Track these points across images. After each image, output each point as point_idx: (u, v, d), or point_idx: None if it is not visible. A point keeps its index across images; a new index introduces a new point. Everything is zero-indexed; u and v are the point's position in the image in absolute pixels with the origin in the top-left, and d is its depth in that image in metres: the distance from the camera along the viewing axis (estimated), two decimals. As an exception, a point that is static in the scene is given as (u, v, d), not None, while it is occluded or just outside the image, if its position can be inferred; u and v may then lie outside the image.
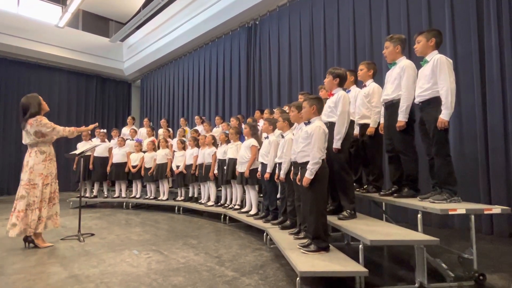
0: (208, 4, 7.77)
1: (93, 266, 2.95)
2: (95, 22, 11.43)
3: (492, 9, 4.04)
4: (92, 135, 7.34)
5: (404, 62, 3.07)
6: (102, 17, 11.66)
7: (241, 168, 4.59)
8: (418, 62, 3.01)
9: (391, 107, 3.11)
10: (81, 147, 6.37)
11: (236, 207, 4.94)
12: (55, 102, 10.30)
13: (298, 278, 2.33)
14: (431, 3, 4.64)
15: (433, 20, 4.60)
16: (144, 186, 6.83)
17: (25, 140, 3.62)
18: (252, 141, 4.54)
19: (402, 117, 2.97)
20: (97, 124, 4.33)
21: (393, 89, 3.11)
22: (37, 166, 3.54)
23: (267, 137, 4.14)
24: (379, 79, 3.80)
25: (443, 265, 2.56)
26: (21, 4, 10.01)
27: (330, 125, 3.08)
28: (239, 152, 4.69)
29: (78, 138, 7.42)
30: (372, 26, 5.32)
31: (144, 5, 9.87)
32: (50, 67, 10.40)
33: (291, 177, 3.17)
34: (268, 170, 3.89)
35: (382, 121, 3.39)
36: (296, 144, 2.96)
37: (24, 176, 3.55)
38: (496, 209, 2.54)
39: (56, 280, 2.60)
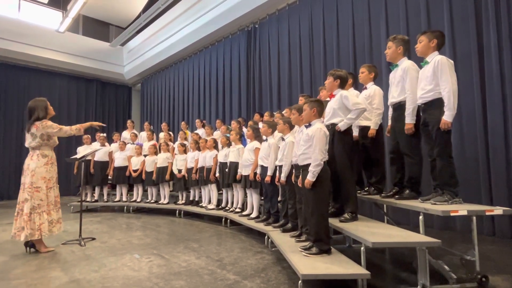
0: (208, 8, 7.82)
1: (94, 270, 2.94)
2: (95, 27, 11.49)
3: (491, 9, 4.06)
4: (92, 139, 7.35)
5: (405, 64, 3.08)
6: (102, 21, 11.72)
7: (244, 171, 4.58)
8: (419, 62, 3.02)
9: (399, 109, 3.11)
10: (82, 151, 6.38)
11: (237, 210, 4.93)
12: (55, 106, 10.13)
13: (300, 281, 2.32)
14: (430, 4, 4.66)
15: (432, 22, 4.62)
16: (145, 190, 6.83)
17: (29, 142, 3.61)
18: (255, 144, 4.53)
19: (409, 120, 2.97)
20: (101, 124, 4.29)
21: (398, 91, 3.11)
22: (39, 169, 3.54)
23: (266, 140, 4.14)
24: (379, 81, 3.81)
25: (446, 267, 2.55)
26: (22, 10, 10.08)
27: (333, 127, 3.08)
28: (243, 155, 4.68)
29: (79, 142, 7.44)
30: (371, 28, 5.35)
31: (144, 10, 9.93)
32: (51, 71, 10.45)
33: (292, 179, 3.17)
34: (269, 173, 3.89)
35: (389, 123, 3.40)
36: (297, 146, 2.96)
37: (26, 179, 3.54)
38: (498, 210, 2.54)
39: (57, 285, 2.59)
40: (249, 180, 4.45)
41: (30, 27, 9.42)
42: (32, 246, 3.58)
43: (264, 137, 4.22)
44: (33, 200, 3.49)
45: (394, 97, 3.18)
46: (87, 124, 4.03)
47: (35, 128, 3.58)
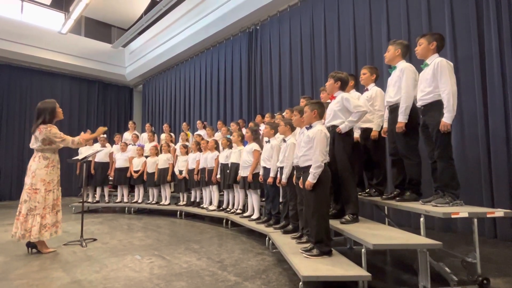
0: (209, 10, 7.84)
1: (95, 271, 2.95)
2: (97, 28, 11.54)
3: (492, 12, 4.06)
4: (94, 140, 7.36)
5: (403, 65, 3.11)
6: (104, 23, 11.76)
7: (243, 172, 4.59)
8: (419, 65, 3.03)
9: (395, 110, 3.12)
10: (84, 152, 6.41)
11: (238, 211, 4.94)
12: (57, 107, 10.36)
13: (300, 283, 2.32)
14: (431, 7, 4.66)
15: (433, 24, 4.62)
16: (146, 191, 6.84)
17: (32, 144, 3.64)
18: (254, 146, 4.55)
19: (401, 118, 2.98)
20: (105, 128, 4.19)
21: (395, 92, 3.13)
22: (39, 171, 3.56)
23: (268, 141, 4.15)
24: (380, 83, 3.81)
25: (447, 269, 2.55)
26: (24, 11, 10.13)
27: (333, 129, 3.09)
28: (242, 157, 4.70)
29: (81, 143, 7.45)
30: (373, 30, 5.35)
31: (146, 11, 9.97)
32: (53, 72, 10.49)
33: (294, 181, 3.18)
34: (272, 174, 3.89)
35: (385, 125, 3.40)
36: (298, 148, 2.97)
37: (27, 180, 3.57)
38: (499, 213, 2.54)
39: (58, 285, 2.60)
40: (248, 182, 4.47)
41: (32, 29, 9.46)
42: (33, 246, 3.59)
43: (266, 139, 4.23)
44: (31, 202, 3.50)
45: (390, 96, 3.19)
46: (92, 136, 3.96)
47: (38, 131, 3.59)
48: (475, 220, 2.49)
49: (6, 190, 9.43)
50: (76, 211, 6.75)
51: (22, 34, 9.21)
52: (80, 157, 4.48)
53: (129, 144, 7.21)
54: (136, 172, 6.68)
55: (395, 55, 3.18)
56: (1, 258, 3.42)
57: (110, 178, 7.05)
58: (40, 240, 3.55)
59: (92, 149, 6.49)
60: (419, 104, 2.94)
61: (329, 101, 3.37)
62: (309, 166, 2.69)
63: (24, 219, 3.48)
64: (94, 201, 7.07)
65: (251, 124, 5.62)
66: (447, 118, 2.67)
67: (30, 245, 3.58)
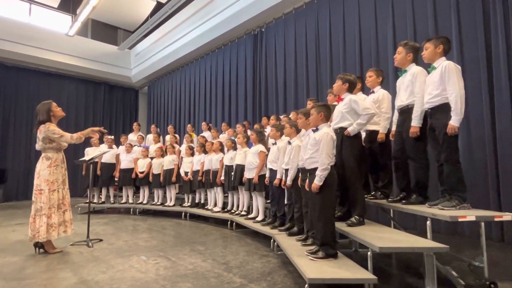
0: (215, 12, 7.89)
1: (102, 271, 2.97)
2: (104, 31, 11.65)
3: (499, 15, 4.04)
4: (100, 141, 7.42)
5: (415, 69, 3.08)
6: (110, 25, 11.88)
7: (249, 174, 4.60)
8: (425, 68, 3.02)
9: (406, 112, 3.11)
10: (90, 153, 6.46)
11: (243, 213, 4.94)
12: (63, 108, 10.26)
13: (306, 285, 2.32)
14: (437, 9, 4.65)
15: (439, 26, 4.60)
16: (151, 192, 6.88)
17: (37, 146, 3.71)
18: (260, 147, 4.56)
19: (416, 123, 2.97)
20: (101, 128, 4.20)
21: (407, 96, 3.11)
22: (43, 172, 3.61)
23: (275, 143, 4.15)
24: (385, 86, 3.80)
25: (453, 273, 2.53)
26: (32, 14, 10.27)
27: (341, 131, 3.09)
28: (247, 158, 4.71)
29: (86, 143, 7.52)
30: (378, 32, 5.34)
31: (152, 14, 10.05)
32: (60, 74, 10.60)
33: (299, 183, 3.18)
34: (278, 176, 3.89)
35: (393, 128, 3.39)
36: (304, 150, 2.97)
37: (35, 181, 3.63)
38: (507, 216, 2.52)
39: (66, 286, 2.62)
40: (253, 183, 4.47)
41: (40, 31, 9.59)
42: (41, 246, 3.63)
43: (273, 140, 4.23)
44: (37, 203, 3.56)
45: (402, 100, 3.18)
46: (88, 130, 3.99)
47: (39, 131, 3.66)
48: (482, 223, 2.48)
49: (13, 190, 9.53)
50: (82, 211, 6.79)
51: (30, 36, 9.33)
52: (87, 158, 4.53)
53: (134, 146, 7.25)
54: (141, 173, 6.71)
55: (407, 59, 3.15)
56: (9, 258, 3.46)
57: (116, 179, 7.09)
58: (47, 240, 3.58)
59: (99, 150, 6.55)
60: (426, 106, 2.94)
61: (335, 103, 3.37)
62: (315, 169, 2.69)
63: (32, 220, 3.54)
64: (100, 202, 7.12)
65: (256, 126, 5.63)
66: (455, 121, 2.66)
67: (37, 245, 3.62)
